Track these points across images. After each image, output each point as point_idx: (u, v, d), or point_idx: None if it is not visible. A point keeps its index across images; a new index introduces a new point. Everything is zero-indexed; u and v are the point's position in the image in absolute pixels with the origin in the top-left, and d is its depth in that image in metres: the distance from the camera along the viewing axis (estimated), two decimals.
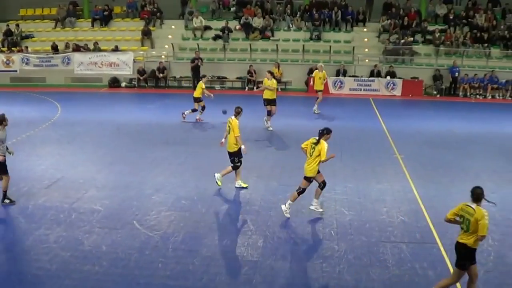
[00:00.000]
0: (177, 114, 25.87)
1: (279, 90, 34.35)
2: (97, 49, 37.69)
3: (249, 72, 35.15)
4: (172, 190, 15.89)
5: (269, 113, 23.64)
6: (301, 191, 13.97)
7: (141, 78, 36.37)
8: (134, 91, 35.97)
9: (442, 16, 38.59)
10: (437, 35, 36.23)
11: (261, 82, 26.43)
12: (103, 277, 10.86)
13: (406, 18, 37.35)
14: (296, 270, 11.29)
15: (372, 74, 34.61)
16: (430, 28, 37.30)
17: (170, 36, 38.97)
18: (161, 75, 36.23)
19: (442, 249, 12.40)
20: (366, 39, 37.81)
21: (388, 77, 34.15)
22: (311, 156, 13.73)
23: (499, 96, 34.14)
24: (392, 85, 33.92)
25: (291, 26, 38.96)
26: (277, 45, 36.95)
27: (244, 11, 39.22)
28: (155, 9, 40.53)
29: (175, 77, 37.06)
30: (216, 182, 16.01)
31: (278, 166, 18.12)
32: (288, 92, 34.56)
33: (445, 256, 12.02)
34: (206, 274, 10.97)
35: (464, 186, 16.30)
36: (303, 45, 36.81)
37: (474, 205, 9.73)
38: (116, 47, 37.65)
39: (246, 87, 35.12)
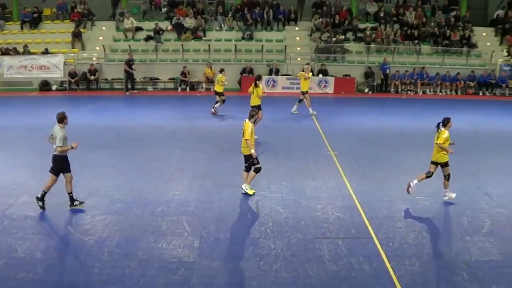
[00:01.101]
0: (109, 116, 25.54)
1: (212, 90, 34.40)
2: (27, 52, 36.87)
3: (183, 73, 34.96)
4: (107, 193, 15.66)
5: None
6: (429, 175, 15.33)
7: (72, 80, 35.74)
8: (66, 94, 35.32)
9: (372, 14, 39.24)
10: (368, 32, 36.79)
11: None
12: (38, 284, 10.61)
13: (337, 17, 37.78)
14: (233, 270, 11.26)
15: None
16: (361, 26, 37.90)
17: (101, 38, 38.40)
18: (92, 77, 35.71)
19: (377, 243, 12.56)
20: (298, 38, 38.09)
21: (320, 75, 34.48)
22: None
23: (429, 91, 34.87)
24: (324, 83, 34.26)
25: (223, 26, 38.90)
26: (209, 45, 36.87)
27: (176, 12, 38.97)
28: (85, 11, 39.86)
29: (106, 79, 36.60)
30: (246, 193, 15.61)
31: (212, 166, 18.07)
32: None
33: (381, 250, 12.18)
34: (143, 277, 10.84)
35: (397, 180, 16.69)
36: (235, 45, 36.82)
37: None
38: (46, 49, 36.92)
39: (179, 88, 34.92)
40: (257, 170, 15.51)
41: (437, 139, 15.02)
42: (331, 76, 34.54)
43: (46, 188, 14.42)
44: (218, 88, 26.69)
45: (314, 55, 36.35)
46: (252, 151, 15.23)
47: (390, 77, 34.83)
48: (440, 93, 34.78)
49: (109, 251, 11.97)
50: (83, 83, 36.08)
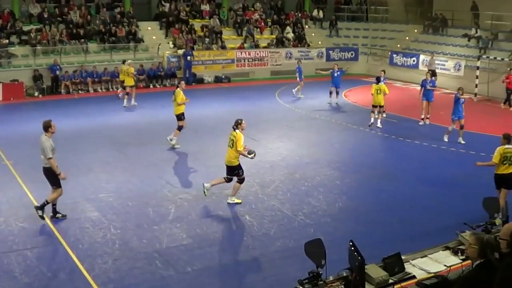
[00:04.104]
0: None
1: None
2: None
3: None
4: None
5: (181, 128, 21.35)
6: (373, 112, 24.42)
7: None
8: None
9: (36, 15, 38.03)
10: (33, 35, 35.64)
11: None
12: None
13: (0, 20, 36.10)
14: None
15: None
16: (25, 28, 36.54)
17: None
18: None
19: (67, 247, 12.40)
20: None
21: None
22: (378, 94, 23.96)
23: (101, 89, 34.93)
24: None
25: None
26: None
27: None
28: None
29: None
30: (204, 192, 15.27)
31: None
32: None
33: (71, 254, 12.06)
34: None
35: (78, 180, 16.52)
36: None
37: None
38: None
39: None
40: (242, 181, 15.19)
41: (383, 90, 23.92)
42: None
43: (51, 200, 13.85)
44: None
45: None
46: (247, 154, 14.97)
47: (60, 78, 34.18)
48: (112, 90, 35.02)
49: None
50: None
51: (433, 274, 7.98)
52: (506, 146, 13.77)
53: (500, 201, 13.17)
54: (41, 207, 13.79)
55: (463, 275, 7.46)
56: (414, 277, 7.96)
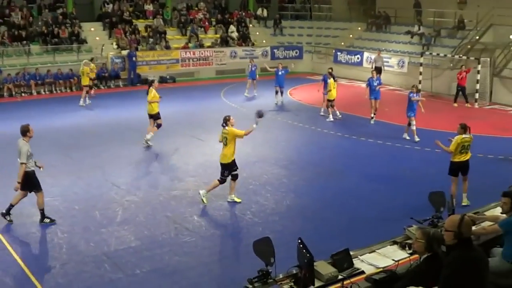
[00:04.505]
0: None
1: None
2: None
3: None
4: None
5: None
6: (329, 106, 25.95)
7: None
8: None
9: None
10: None
11: None
12: None
13: None
14: None
15: None
16: None
17: None
18: None
19: (13, 253, 12.17)
20: None
21: None
22: (334, 88, 25.34)
23: (44, 91, 34.33)
24: None
25: None
26: None
27: None
28: None
29: None
30: (202, 200, 15.14)
31: None
32: None
33: (18, 259, 11.84)
34: None
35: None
36: None
37: (468, 135, 14.47)
38: None
39: None
40: (236, 177, 15.44)
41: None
42: None
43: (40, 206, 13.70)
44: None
45: None
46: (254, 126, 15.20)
47: (2, 81, 33.54)
48: (55, 92, 34.49)
49: None
50: None
51: (381, 269, 8.06)
52: (463, 135, 14.44)
53: (454, 188, 14.37)
54: (42, 216, 13.79)
55: (411, 269, 7.56)
56: (363, 272, 8.02)
